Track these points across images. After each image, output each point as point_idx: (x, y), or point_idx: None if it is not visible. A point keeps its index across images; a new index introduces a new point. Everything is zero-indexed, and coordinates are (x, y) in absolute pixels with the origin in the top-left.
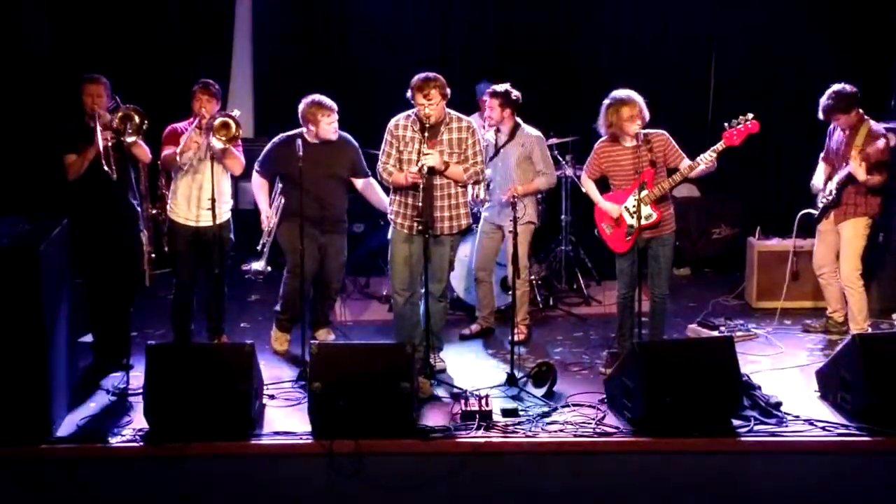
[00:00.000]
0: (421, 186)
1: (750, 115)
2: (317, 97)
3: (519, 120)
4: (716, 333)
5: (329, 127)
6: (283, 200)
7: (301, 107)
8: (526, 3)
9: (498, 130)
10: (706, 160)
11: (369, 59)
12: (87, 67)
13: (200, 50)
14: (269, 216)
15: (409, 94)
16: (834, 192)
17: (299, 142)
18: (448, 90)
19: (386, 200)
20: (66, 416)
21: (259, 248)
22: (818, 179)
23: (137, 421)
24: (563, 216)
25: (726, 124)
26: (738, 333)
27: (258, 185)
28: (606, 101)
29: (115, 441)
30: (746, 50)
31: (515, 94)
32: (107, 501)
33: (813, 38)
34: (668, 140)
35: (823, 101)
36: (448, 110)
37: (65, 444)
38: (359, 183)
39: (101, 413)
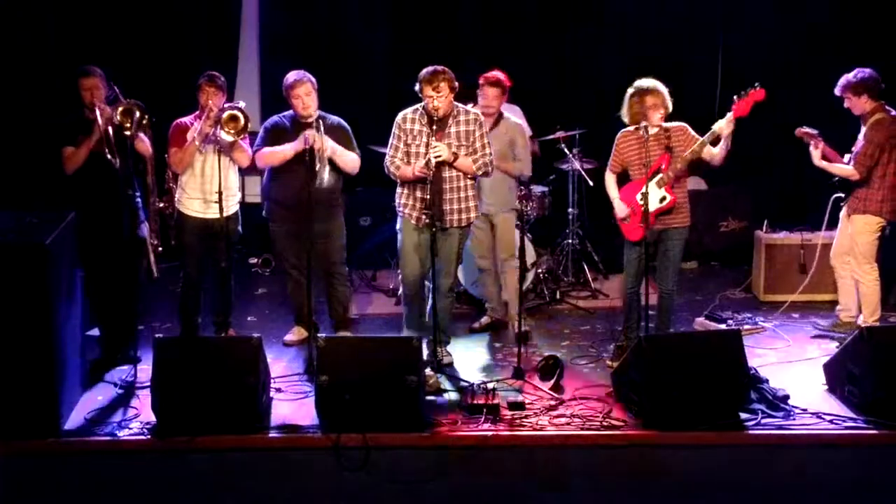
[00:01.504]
0: (429, 180)
1: (757, 84)
2: (289, 73)
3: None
4: (723, 327)
5: (297, 101)
6: (322, 122)
7: None
8: None
9: None
10: (721, 127)
11: (377, 52)
12: (91, 61)
13: (206, 44)
14: (308, 135)
15: (417, 87)
16: (836, 179)
17: (310, 132)
18: (456, 83)
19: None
20: (74, 409)
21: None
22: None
23: (145, 414)
24: (570, 209)
25: (735, 97)
26: (746, 327)
27: (267, 154)
28: (630, 90)
29: (122, 434)
30: (755, 40)
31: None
32: (114, 494)
33: (824, 28)
34: (686, 129)
35: (843, 77)
36: (455, 103)
37: (73, 437)
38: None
39: (108, 406)
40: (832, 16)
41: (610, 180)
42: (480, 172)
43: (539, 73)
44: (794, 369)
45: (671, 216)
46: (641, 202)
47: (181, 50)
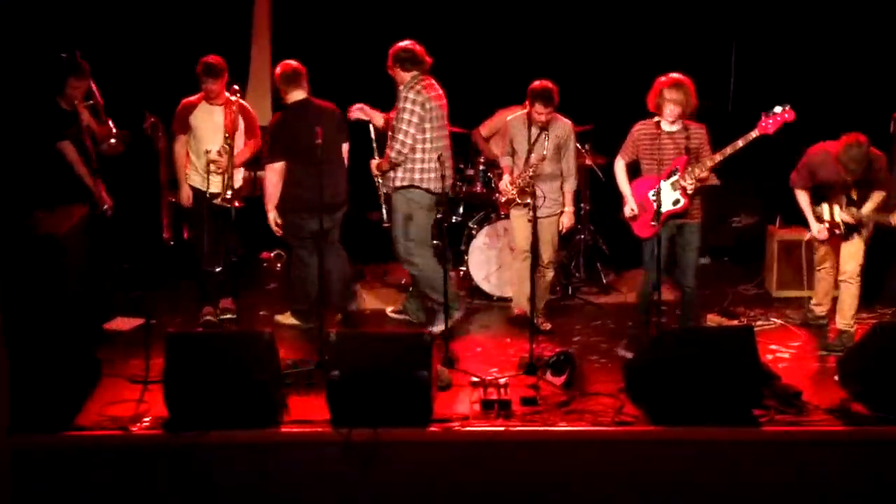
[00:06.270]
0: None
1: (787, 105)
2: None
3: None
4: (736, 322)
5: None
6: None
7: None
8: None
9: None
10: (736, 147)
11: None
12: (101, 56)
13: (219, 36)
14: (278, 223)
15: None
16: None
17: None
18: None
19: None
20: (86, 403)
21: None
22: None
23: (156, 409)
24: (581, 205)
25: (763, 113)
26: (758, 322)
27: (275, 171)
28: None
29: (134, 429)
30: (768, 39)
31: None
32: (125, 489)
33: (835, 27)
34: (706, 133)
35: None
36: None
37: (84, 431)
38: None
39: (120, 401)
40: (845, 18)
41: (620, 170)
42: None
43: (549, 68)
44: (806, 365)
45: (684, 215)
46: (654, 200)
47: (192, 48)
